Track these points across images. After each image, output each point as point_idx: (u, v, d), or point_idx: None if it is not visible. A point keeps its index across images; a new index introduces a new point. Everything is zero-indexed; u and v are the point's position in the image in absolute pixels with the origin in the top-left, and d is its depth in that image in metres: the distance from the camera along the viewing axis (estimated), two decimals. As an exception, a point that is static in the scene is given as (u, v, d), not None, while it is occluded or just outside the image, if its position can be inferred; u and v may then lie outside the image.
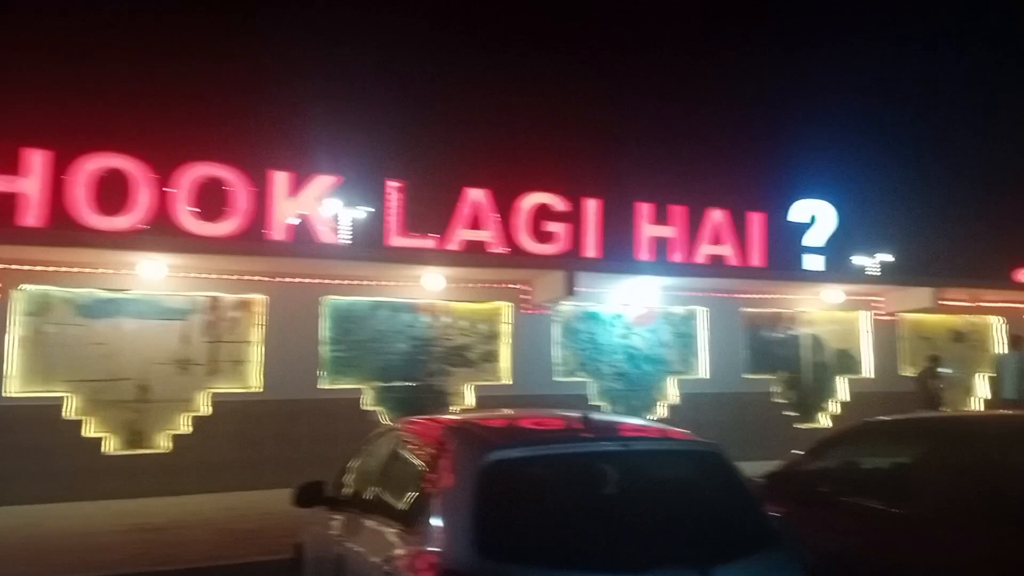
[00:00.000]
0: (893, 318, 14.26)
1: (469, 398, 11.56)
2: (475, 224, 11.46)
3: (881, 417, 5.49)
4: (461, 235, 11.36)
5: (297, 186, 10.48)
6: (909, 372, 14.24)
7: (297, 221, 10.44)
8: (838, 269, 13.77)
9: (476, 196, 11.49)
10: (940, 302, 13.34)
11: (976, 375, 15.01)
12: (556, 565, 3.02)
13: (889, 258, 14.68)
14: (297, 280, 10.78)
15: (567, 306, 12.21)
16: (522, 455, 3.42)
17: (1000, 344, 15.07)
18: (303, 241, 10.40)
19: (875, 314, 14.19)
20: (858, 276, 14.06)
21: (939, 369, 13.07)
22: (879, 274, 14.36)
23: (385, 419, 10.50)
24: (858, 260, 14.53)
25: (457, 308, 11.79)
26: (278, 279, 10.67)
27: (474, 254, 11.32)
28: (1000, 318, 15.20)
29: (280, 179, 10.41)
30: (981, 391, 14.89)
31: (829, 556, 4.20)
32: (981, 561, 3.84)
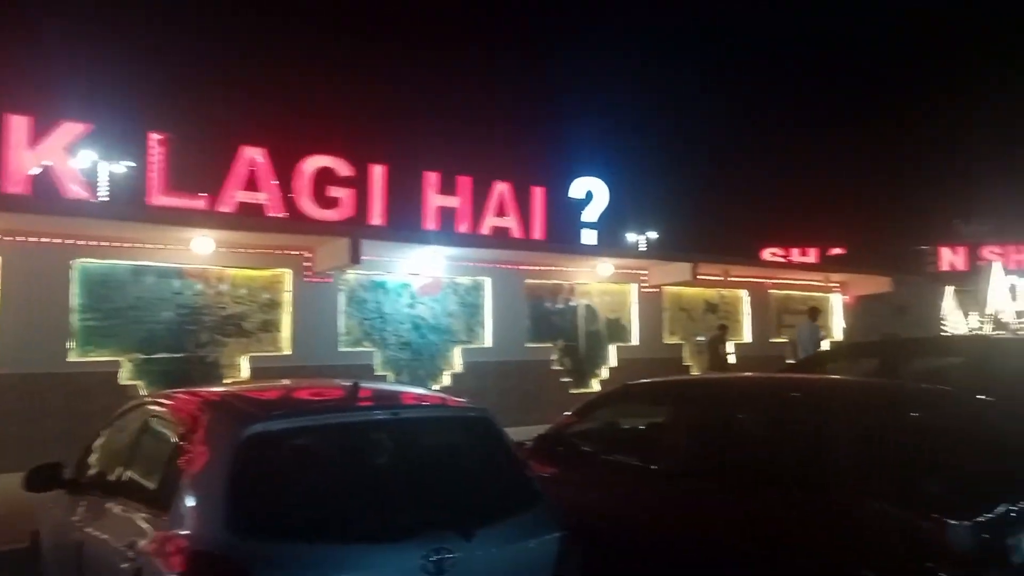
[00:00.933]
0: (657, 290, 15.47)
1: (244, 370, 10.97)
2: (252, 185, 10.84)
3: (641, 380, 5.90)
4: (236, 196, 10.69)
5: (39, 133, 9.28)
6: (671, 340, 15.63)
7: (38, 171, 9.23)
8: (610, 244, 14.68)
9: (253, 155, 10.84)
10: (697, 276, 14.67)
11: (727, 342, 16.71)
12: (316, 539, 2.94)
13: (654, 235, 15.97)
14: (41, 240, 9.54)
15: (352, 274, 11.94)
16: (283, 427, 3.28)
17: (746, 315, 16.95)
18: (47, 196, 9.24)
19: (642, 286, 15.31)
20: (628, 251, 15.10)
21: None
22: (645, 250, 15.52)
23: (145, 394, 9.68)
24: (628, 236, 15.63)
25: (233, 275, 11.09)
26: (18, 238, 9.39)
27: (250, 217, 10.72)
28: (745, 291, 17.05)
29: (18, 124, 9.20)
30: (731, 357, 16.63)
31: (592, 510, 4.45)
32: (720, 510, 4.24)
